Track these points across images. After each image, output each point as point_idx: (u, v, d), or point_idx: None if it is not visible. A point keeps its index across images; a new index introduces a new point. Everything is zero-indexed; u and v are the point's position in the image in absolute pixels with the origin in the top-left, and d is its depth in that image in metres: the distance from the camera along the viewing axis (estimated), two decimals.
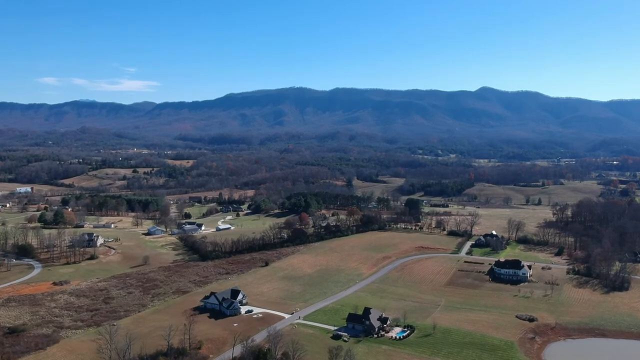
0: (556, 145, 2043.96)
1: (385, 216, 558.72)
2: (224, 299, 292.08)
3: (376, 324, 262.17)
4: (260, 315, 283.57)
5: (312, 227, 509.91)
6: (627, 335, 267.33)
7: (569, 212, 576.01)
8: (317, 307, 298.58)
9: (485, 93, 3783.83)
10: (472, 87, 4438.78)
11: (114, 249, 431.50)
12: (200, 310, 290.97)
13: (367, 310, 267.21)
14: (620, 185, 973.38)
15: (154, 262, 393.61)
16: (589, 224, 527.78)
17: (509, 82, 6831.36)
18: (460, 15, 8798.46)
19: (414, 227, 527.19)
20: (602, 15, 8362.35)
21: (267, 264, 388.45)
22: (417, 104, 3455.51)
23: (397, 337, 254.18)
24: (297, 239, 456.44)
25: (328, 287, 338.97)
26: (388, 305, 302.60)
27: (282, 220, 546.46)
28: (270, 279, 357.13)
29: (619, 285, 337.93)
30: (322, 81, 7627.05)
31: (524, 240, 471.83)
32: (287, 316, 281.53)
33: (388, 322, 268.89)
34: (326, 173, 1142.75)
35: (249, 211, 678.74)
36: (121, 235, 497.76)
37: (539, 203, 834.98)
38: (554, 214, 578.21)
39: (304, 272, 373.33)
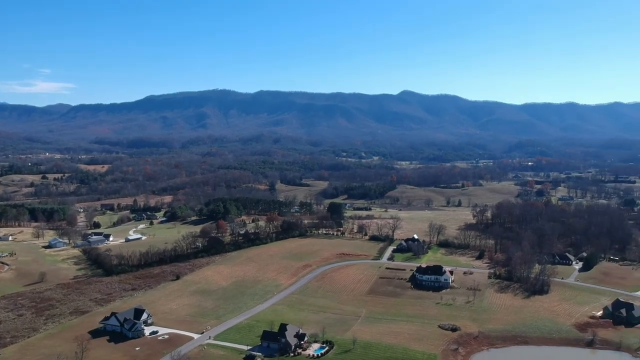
0: (475, 147, 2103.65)
1: (307, 221, 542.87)
2: (125, 319, 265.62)
3: (293, 341, 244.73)
4: (166, 336, 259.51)
5: (230, 235, 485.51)
6: (549, 341, 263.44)
7: (488, 214, 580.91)
8: (231, 325, 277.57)
9: (406, 96, 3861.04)
10: (394, 90, 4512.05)
11: (7, 264, 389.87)
12: (99, 333, 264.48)
13: (283, 327, 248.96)
14: (536, 186, 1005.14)
15: (51, 279, 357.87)
16: (508, 225, 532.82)
17: (429, 86, 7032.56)
18: (382, 19, 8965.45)
19: (336, 233, 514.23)
20: (515, 21, 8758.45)
21: (178, 278, 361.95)
22: (341, 107, 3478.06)
23: (315, 354, 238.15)
24: (213, 248, 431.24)
25: (243, 301, 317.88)
26: (306, 318, 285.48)
27: (199, 228, 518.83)
28: (181, 294, 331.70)
29: (539, 288, 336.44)
30: (246, 83, 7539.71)
31: (445, 244, 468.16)
32: (196, 336, 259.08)
33: (306, 339, 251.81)
34: (249, 177, 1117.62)
35: (164, 219, 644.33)
36: (18, 248, 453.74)
37: (459, 204, 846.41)
38: (474, 215, 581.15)
39: (219, 285, 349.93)
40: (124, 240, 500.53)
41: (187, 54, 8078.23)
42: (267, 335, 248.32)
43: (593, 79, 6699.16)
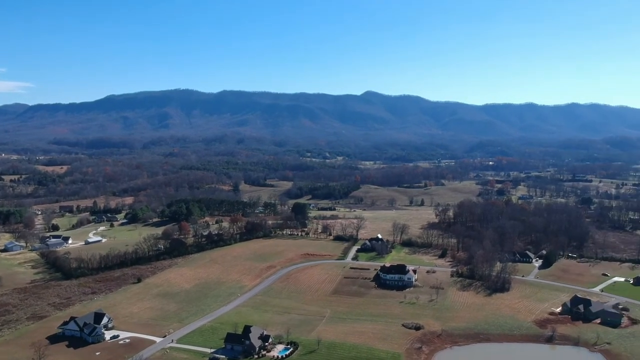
0: (437, 147, 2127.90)
1: (271, 222, 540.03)
2: (85, 324, 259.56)
3: (257, 343, 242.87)
4: (127, 340, 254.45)
5: (193, 236, 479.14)
6: (510, 338, 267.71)
7: (450, 213, 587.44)
8: (194, 327, 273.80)
9: (370, 97, 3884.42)
10: (358, 91, 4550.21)
11: None
12: (57, 338, 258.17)
13: (247, 329, 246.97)
14: (497, 185, 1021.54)
15: (7, 284, 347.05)
16: (470, 224, 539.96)
17: (392, 86, 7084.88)
18: (344, 20, 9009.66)
19: (300, 233, 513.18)
20: (474, 23, 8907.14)
21: (139, 281, 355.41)
22: (305, 107, 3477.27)
23: (280, 356, 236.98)
24: (176, 250, 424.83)
25: (207, 304, 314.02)
26: (271, 320, 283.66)
27: (161, 230, 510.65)
28: (143, 297, 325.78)
29: (500, 286, 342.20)
30: (209, 83, 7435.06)
31: (408, 243, 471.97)
32: (158, 340, 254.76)
33: (270, 340, 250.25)
34: (212, 178, 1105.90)
35: (125, 221, 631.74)
36: None
37: (422, 204, 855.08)
38: (436, 215, 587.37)
39: (181, 287, 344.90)
40: (84, 243, 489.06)
41: (149, 52, 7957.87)
42: (230, 338, 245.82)
43: (551, 80, 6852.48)
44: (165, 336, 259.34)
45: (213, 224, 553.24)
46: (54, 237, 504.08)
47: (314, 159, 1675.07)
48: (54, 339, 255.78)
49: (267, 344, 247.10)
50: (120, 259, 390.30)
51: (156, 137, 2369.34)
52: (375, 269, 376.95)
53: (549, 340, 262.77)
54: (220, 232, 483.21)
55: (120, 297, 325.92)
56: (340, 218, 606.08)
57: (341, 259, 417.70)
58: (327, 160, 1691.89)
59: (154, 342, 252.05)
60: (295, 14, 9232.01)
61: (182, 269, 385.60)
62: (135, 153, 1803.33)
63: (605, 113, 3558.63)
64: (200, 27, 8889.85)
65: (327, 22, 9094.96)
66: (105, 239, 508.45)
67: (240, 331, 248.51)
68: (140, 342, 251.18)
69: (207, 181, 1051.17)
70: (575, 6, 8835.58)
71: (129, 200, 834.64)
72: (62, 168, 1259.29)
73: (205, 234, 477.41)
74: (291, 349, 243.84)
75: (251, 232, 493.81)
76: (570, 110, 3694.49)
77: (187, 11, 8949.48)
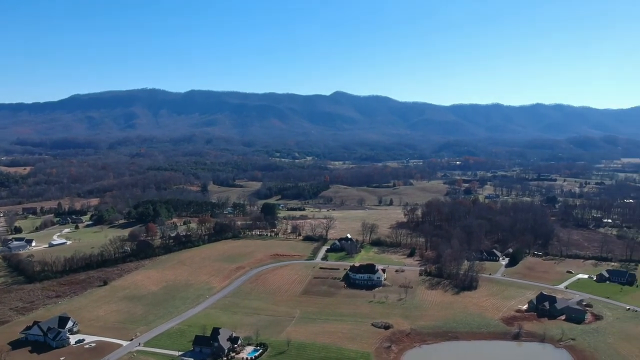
0: (405, 147, 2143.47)
1: (240, 223, 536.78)
2: (49, 328, 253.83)
3: (226, 345, 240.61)
4: (93, 344, 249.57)
5: (160, 238, 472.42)
6: (478, 336, 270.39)
7: (419, 213, 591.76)
8: (161, 330, 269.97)
9: (339, 97, 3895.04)
10: (327, 91, 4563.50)
11: None
12: (20, 343, 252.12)
13: (215, 331, 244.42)
14: (464, 185, 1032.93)
15: None
16: (438, 223, 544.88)
17: (361, 86, 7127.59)
18: (314, 20, 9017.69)
19: (269, 234, 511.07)
20: (441, 26, 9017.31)
21: (105, 283, 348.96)
22: (274, 107, 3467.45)
23: (249, 357, 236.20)
24: (142, 252, 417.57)
25: (174, 306, 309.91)
26: (240, 321, 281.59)
27: (127, 231, 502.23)
28: (109, 300, 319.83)
29: (468, 284, 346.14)
30: (176, 83, 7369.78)
31: (377, 243, 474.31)
32: (125, 343, 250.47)
33: (239, 342, 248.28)
34: (180, 178, 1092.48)
35: (90, 222, 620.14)
36: None
37: (391, 203, 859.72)
38: (405, 214, 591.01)
39: (148, 289, 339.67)
40: (48, 246, 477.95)
41: (115, 51, 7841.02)
42: (199, 340, 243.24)
43: (516, 81, 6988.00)
44: (132, 339, 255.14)
45: (181, 225, 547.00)
46: (17, 239, 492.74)
47: (283, 159, 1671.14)
48: (16, 345, 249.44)
49: (236, 345, 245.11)
50: (85, 261, 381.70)
51: (122, 137, 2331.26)
52: (344, 269, 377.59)
53: (516, 337, 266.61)
54: (189, 233, 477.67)
55: (86, 300, 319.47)
56: (309, 218, 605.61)
57: (311, 259, 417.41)
58: (297, 161, 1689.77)
59: (120, 345, 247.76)
60: (264, 14, 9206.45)
61: (149, 271, 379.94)
62: (101, 153, 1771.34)
63: (568, 113, 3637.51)
64: (167, 26, 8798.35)
65: (297, 23, 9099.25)
66: (70, 241, 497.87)
67: (208, 333, 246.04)
68: (107, 346, 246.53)
69: (174, 182, 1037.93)
70: (539, 10, 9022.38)
71: (94, 201, 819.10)
72: (25, 169, 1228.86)
73: (173, 235, 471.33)
74: (260, 350, 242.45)
75: (220, 233, 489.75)
76: (535, 111, 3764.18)
77: (153, 10, 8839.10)
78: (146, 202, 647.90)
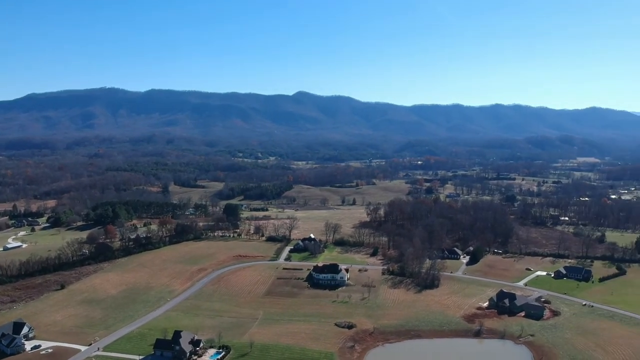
0: (368, 147, 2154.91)
1: (202, 224, 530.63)
2: (3, 334, 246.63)
3: (187, 348, 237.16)
4: (50, 350, 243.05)
5: (120, 240, 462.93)
6: (440, 334, 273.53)
7: (381, 212, 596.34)
8: (121, 334, 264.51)
9: (301, 97, 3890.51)
10: (290, 91, 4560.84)
11: None
12: None
13: (177, 334, 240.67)
14: (426, 184, 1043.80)
15: None
16: (400, 222, 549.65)
17: (323, 87, 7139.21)
18: (274, 19, 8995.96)
19: (232, 234, 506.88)
20: (401, 28, 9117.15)
21: (63, 287, 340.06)
22: (236, 107, 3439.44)
23: None
24: (101, 255, 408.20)
25: (135, 309, 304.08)
26: (202, 324, 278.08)
27: (86, 234, 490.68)
28: (67, 304, 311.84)
29: (430, 283, 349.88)
30: (136, 82, 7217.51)
31: (341, 242, 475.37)
32: (83, 348, 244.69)
33: (201, 345, 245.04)
34: (140, 179, 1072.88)
35: (47, 225, 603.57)
36: None
37: (354, 203, 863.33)
38: (368, 214, 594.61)
39: (108, 293, 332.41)
40: (2, 249, 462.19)
41: (73, 49, 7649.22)
42: (160, 344, 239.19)
43: (476, 82, 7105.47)
44: (90, 344, 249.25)
45: (141, 227, 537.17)
46: None
47: (246, 160, 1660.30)
48: None
49: (198, 348, 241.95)
50: (42, 265, 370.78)
51: (80, 137, 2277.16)
52: (308, 269, 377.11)
53: (477, 334, 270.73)
54: (149, 235, 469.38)
55: (42, 305, 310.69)
56: (272, 218, 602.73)
57: (274, 260, 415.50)
58: (260, 161, 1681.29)
59: (78, 350, 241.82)
60: (224, 12, 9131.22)
61: (108, 274, 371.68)
62: (58, 154, 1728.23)
63: (526, 114, 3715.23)
64: (126, 23, 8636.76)
65: (257, 22, 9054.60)
66: (26, 245, 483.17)
67: (170, 337, 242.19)
68: (64, 352, 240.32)
69: (134, 183, 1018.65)
70: (495, 13, 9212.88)
71: (51, 203, 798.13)
72: None
73: (132, 237, 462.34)
74: (223, 352, 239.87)
75: (181, 234, 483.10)
76: (495, 111, 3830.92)
77: (111, 7, 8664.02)
78: (105, 203, 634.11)
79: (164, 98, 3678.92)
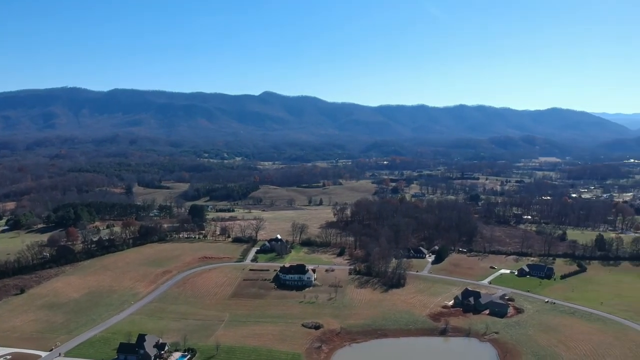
0: (334, 147, 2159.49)
1: (166, 225, 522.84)
2: None
3: (152, 352, 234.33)
4: (8, 357, 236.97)
5: (82, 243, 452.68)
6: (406, 332, 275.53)
7: (348, 212, 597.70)
8: (83, 339, 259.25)
9: (268, 97, 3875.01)
10: (256, 91, 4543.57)
11: None
12: None
13: (141, 338, 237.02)
14: (391, 184, 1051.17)
15: None
16: (366, 222, 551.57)
17: (290, 87, 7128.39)
18: (241, 18, 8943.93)
19: (197, 236, 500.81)
20: (366, 29, 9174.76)
21: (22, 291, 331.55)
22: (202, 107, 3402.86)
23: None
24: (63, 258, 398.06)
25: (98, 313, 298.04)
26: (167, 327, 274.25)
27: (47, 236, 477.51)
28: (27, 309, 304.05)
29: (396, 282, 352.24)
30: (98, 81, 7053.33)
31: (307, 243, 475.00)
32: (44, 354, 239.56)
33: (166, 348, 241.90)
34: (103, 180, 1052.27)
35: (6, 227, 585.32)
36: None
37: (321, 203, 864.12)
38: (334, 214, 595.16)
39: (69, 297, 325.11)
40: None
41: (33, 48, 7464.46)
42: (123, 348, 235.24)
43: (441, 83, 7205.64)
44: (52, 350, 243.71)
45: (104, 229, 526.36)
46: None
47: (211, 160, 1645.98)
48: None
49: (162, 352, 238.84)
50: (0, 269, 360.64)
51: (41, 137, 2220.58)
52: (275, 270, 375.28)
53: (443, 332, 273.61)
54: (112, 237, 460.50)
55: (1, 310, 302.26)
56: (239, 219, 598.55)
57: (240, 261, 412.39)
58: (226, 161, 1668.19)
59: (39, 357, 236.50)
60: (189, 10, 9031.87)
61: (70, 278, 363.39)
62: (18, 155, 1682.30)
63: (490, 114, 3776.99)
64: (88, 21, 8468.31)
65: (222, 21, 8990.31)
66: None
67: (134, 340, 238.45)
68: (23, 358, 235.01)
69: (97, 184, 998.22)
70: (458, 16, 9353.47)
71: (10, 205, 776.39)
72: None
73: (95, 239, 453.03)
74: (188, 356, 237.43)
75: (145, 236, 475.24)
76: (459, 112, 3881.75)
77: (72, 5, 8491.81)
78: (67, 205, 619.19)
79: (127, 98, 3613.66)
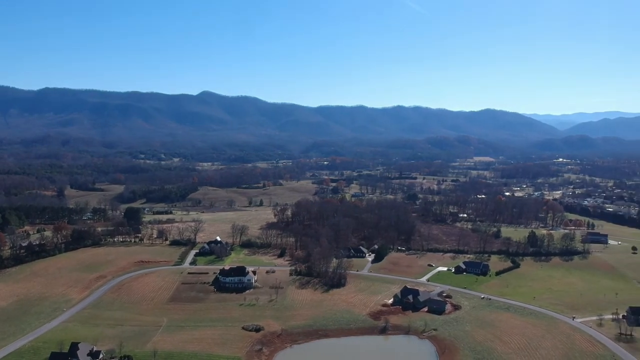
0: (275, 148, 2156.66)
1: (100, 229, 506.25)
2: None
3: None
4: None
5: (10, 248, 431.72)
6: (347, 332, 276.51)
7: (289, 212, 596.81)
8: (11, 349, 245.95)
9: (206, 97, 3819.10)
10: (194, 91, 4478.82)
11: None
12: None
13: (74, 346, 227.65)
14: (331, 184, 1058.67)
15: None
16: (307, 222, 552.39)
17: (229, 87, 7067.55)
18: (176, 16, 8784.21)
19: (133, 239, 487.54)
20: (307, 29, 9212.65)
21: None
22: (137, 106, 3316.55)
23: None
24: None
25: (27, 322, 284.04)
26: (102, 334, 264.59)
27: None
28: None
29: (337, 282, 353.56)
30: (28, 80, 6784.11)
31: (248, 244, 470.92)
32: None
33: (101, 356, 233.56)
34: (33, 183, 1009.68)
35: None
36: None
37: (261, 204, 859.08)
38: (275, 215, 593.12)
39: None
40: None
41: None
42: (55, 357, 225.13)
43: (379, 84, 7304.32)
44: None
45: (34, 234, 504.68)
46: None
47: (148, 161, 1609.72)
48: None
49: None
50: None
51: None
52: (214, 273, 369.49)
53: (383, 331, 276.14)
54: (43, 242, 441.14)
55: None
56: (177, 222, 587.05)
57: (178, 264, 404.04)
58: (163, 162, 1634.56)
59: None
60: (122, 7, 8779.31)
61: None
62: None
63: (427, 115, 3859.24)
64: (14, 17, 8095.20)
65: (158, 18, 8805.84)
66: None
67: (66, 349, 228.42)
68: None
69: (27, 186, 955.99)
70: (394, 17, 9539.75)
71: None
72: None
73: (24, 244, 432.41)
74: None
75: (78, 240, 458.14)
76: (397, 113, 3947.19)
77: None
78: None
79: (59, 97, 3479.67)
